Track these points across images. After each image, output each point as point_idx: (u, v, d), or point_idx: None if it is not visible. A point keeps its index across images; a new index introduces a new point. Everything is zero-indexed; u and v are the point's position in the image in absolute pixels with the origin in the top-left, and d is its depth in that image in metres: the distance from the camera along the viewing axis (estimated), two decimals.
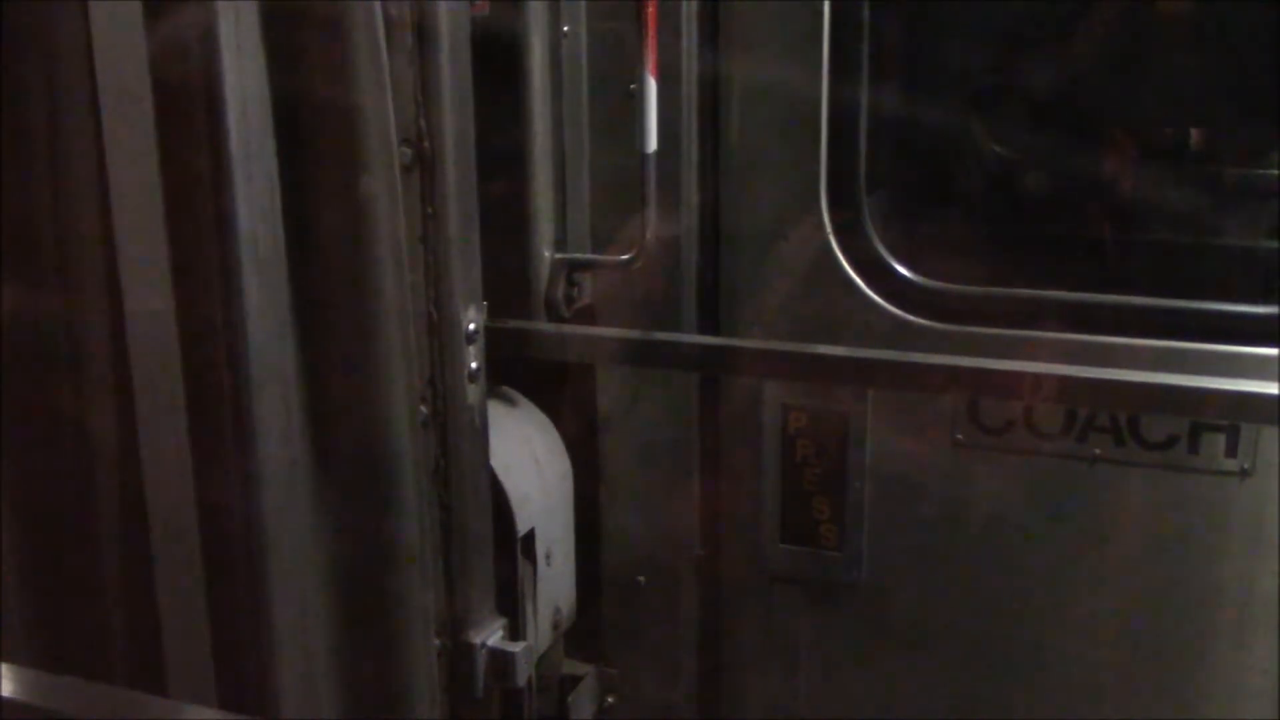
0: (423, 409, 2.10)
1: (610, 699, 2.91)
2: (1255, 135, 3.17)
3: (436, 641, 2.16)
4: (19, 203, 1.86)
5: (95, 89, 1.75)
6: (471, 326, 2.14)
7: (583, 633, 2.76)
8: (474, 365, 2.16)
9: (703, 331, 2.77)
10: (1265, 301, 2.51)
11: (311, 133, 1.84)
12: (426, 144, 2.02)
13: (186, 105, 1.72)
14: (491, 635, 2.27)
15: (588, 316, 2.70)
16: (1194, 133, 3.26)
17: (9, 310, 1.89)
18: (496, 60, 2.44)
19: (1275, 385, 2.01)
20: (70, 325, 1.90)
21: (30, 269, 1.90)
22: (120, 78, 1.74)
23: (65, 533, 1.98)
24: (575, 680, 2.80)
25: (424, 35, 1.98)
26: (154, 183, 1.76)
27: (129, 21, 1.72)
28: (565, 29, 2.56)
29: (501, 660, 2.27)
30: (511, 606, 2.37)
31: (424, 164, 2.03)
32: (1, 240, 1.86)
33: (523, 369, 2.61)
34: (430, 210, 2.05)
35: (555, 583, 2.55)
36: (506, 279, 2.51)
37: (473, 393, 2.17)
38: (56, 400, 1.93)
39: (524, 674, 2.29)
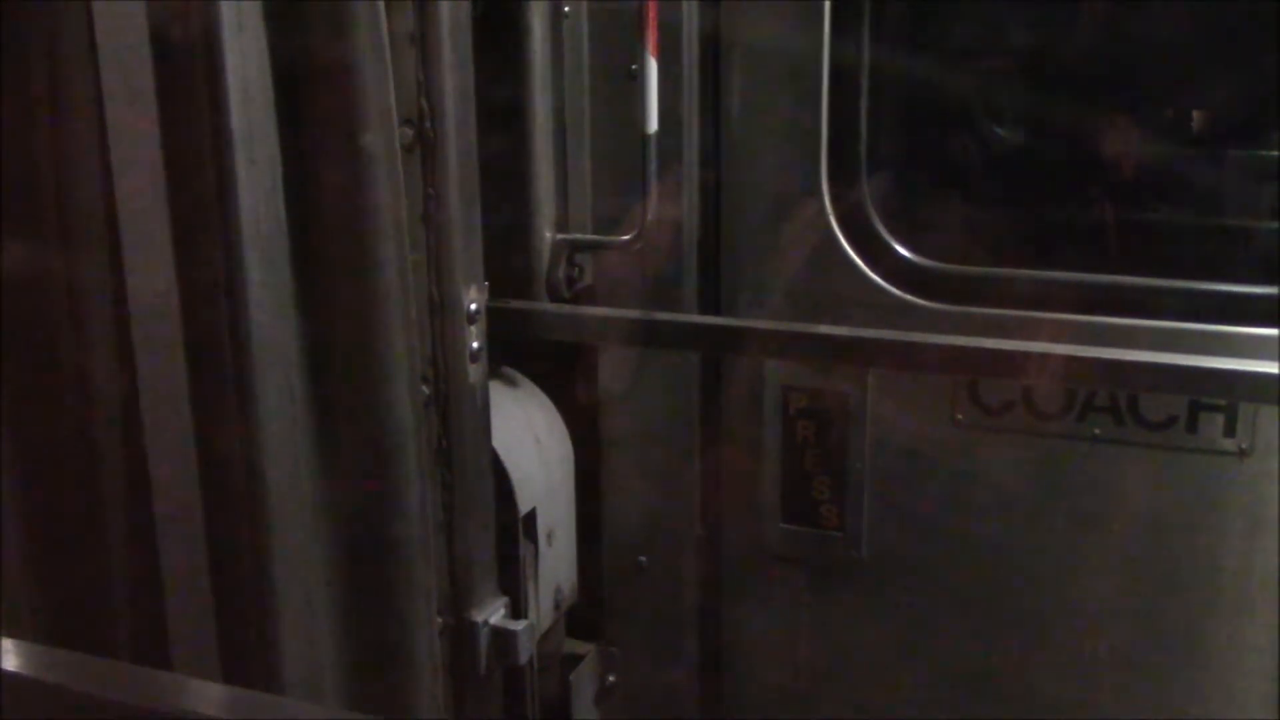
0: (424, 389, 2.11)
1: (611, 678, 2.93)
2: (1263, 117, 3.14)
3: (439, 620, 2.18)
4: (21, 180, 1.86)
5: (98, 67, 1.76)
6: (473, 307, 2.15)
7: (584, 612, 2.77)
8: (475, 345, 2.17)
9: (704, 312, 2.77)
10: (1268, 282, 2.51)
11: (313, 112, 1.85)
12: (428, 124, 2.02)
13: (188, 85, 1.73)
14: (493, 614, 2.29)
15: (589, 297, 2.70)
16: (1199, 113, 3.23)
17: (12, 288, 1.90)
18: (498, 41, 2.44)
19: (1274, 364, 2.02)
20: (72, 304, 1.90)
21: (32, 249, 1.90)
22: (122, 56, 1.74)
23: (69, 508, 1.99)
24: (577, 659, 2.81)
25: (425, 15, 1.99)
26: (156, 161, 1.76)
27: None
28: (566, 9, 2.56)
29: (503, 639, 2.28)
30: (513, 586, 2.39)
31: (425, 144, 2.03)
32: (4, 217, 1.87)
33: (524, 350, 2.61)
34: (431, 190, 2.06)
35: (557, 562, 2.56)
36: (508, 260, 2.51)
37: (474, 373, 2.18)
38: (60, 377, 1.93)
39: (526, 652, 2.30)
